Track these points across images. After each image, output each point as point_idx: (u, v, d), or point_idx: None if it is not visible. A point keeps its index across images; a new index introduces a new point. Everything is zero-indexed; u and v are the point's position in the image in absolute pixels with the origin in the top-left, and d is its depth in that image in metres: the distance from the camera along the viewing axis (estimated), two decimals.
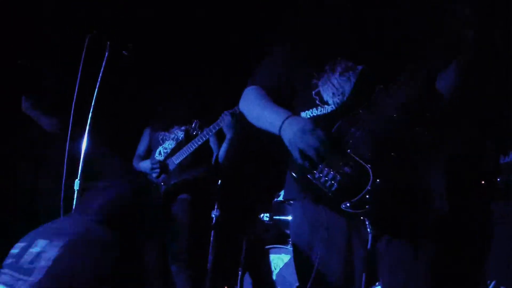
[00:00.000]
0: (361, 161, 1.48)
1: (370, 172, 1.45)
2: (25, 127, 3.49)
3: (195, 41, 4.15)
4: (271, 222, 3.55)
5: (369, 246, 1.50)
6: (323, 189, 1.51)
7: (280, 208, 3.53)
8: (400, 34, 1.63)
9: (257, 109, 1.77)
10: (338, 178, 1.49)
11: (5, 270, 1.41)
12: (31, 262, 1.37)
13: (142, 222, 1.72)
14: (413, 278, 1.52)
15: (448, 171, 2.22)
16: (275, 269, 3.40)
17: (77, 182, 2.26)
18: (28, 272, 1.34)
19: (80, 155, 2.30)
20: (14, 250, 1.48)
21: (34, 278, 1.32)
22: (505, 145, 2.40)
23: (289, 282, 3.25)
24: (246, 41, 4.05)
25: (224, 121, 3.12)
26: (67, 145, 2.32)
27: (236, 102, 3.11)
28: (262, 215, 3.63)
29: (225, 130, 3.16)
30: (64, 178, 2.27)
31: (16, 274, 1.36)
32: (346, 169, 1.49)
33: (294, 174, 1.59)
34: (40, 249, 1.39)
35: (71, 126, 2.31)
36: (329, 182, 1.50)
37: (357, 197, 1.44)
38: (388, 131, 1.48)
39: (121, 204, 1.66)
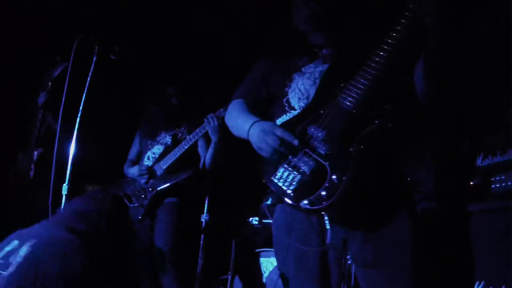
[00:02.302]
0: (319, 159, 1.50)
1: (328, 169, 1.46)
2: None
3: (181, 44, 4.17)
4: (260, 226, 3.56)
5: (328, 240, 1.53)
6: (284, 189, 1.53)
7: (269, 212, 3.54)
8: (364, 28, 1.67)
9: (234, 119, 1.87)
10: (297, 177, 1.51)
11: None
12: (5, 258, 1.46)
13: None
14: (392, 279, 1.54)
15: (434, 170, 2.25)
16: (265, 272, 3.40)
17: (64, 187, 2.25)
18: (3, 267, 1.43)
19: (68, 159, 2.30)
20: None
21: (7, 272, 1.41)
22: (481, 146, 2.42)
23: (279, 285, 3.25)
24: (232, 45, 4.08)
25: (209, 124, 3.13)
26: (55, 149, 2.31)
27: (221, 105, 3.14)
28: (251, 218, 3.63)
29: (210, 134, 3.16)
30: (52, 181, 2.27)
31: None
32: (305, 168, 1.51)
33: (262, 178, 1.62)
34: (12, 247, 1.48)
35: (59, 130, 2.30)
36: (288, 182, 1.52)
37: (315, 195, 1.45)
38: (347, 126, 1.50)
39: (88, 220, 1.76)
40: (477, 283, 2.22)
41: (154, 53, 4.12)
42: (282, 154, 1.54)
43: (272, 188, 1.58)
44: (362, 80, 1.50)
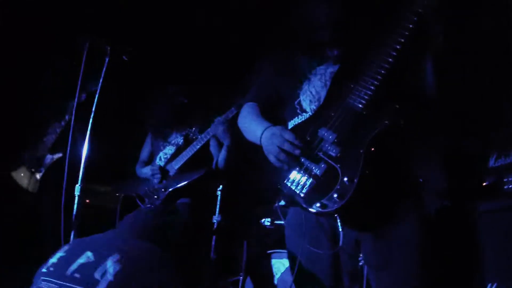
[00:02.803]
0: (330, 161, 1.50)
1: (339, 171, 1.46)
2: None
3: (191, 46, 4.17)
4: (272, 227, 3.55)
5: (340, 243, 1.52)
6: (296, 192, 1.53)
7: (282, 213, 3.52)
8: (372, 29, 1.67)
9: (246, 123, 1.89)
10: (309, 180, 1.52)
11: (46, 279, 1.42)
12: (83, 272, 1.37)
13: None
14: (394, 277, 1.54)
15: (444, 169, 2.23)
16: (277, 273, 3.39)
17: (77, 187, 2.26)
18: (84, 283, 1.36)
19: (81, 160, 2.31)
20: (53, 260, 1.49)
21: None
22: (491, 146, 2.41)
23: (291, 287, 3.24)
24: (240, 47, 4.08)
25: (217, 129, 3.12)
26: (68, 151, 2.32)
27: (228, 107, 3.13)
28: (263, 220, 3.63)
29: (220, 138, 3.16)
30: (65, 183, 2.28)
31: (63, 283, 1.38)
32: (317, 170, 1.51)
33: (274, 182, 1.63)
34: (85, 260, 1.41)
35: (72, 131, 2.32)
36: (301, 185, 1.53)
37: (326, 197, 1.45)
38: (357, 128, 1.50)
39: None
40: (489, 285, 2.21)
41: (159, 54, 4.13)
42: (290, 157, 1.55)
43: (285, 192, 1.59)
44: (371, 81, 1.50)
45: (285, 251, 3.31)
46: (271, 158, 1.59)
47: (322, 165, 1.51)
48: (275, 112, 1.86)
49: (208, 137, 3.24)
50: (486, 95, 2.47)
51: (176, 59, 4.22)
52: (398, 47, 1.47)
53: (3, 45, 3.48)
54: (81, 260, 1.40)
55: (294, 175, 1.56)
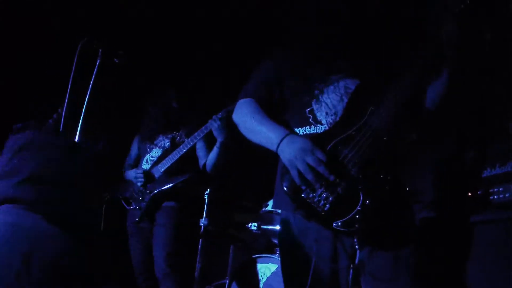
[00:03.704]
0: (353, 182, 1.54)
1: (361, 194, 1.52)
2: None
3: (181, 48, 4.18)
4: (259, 232, 3.55)
5: (356, 261, 1.57)
6: (316, 208, 1.56)
7: (268, 218, 3.54)
8: (391, 51, 1.71)
9: (253, 123, 1.79)
10: (330, 199, 1.55)
11: None
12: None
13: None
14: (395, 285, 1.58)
15: (435, 182, 2.27)
16: (262, 278, 3.39)
17: None
18: None
19: None
20: None
21: None
22: (485, 157, 2.45)
23: None
24: (232, 48, 4.10)
25: (214, 125, 3.11)
26: None
27: (222, 107, 3.14)
28: (250, 224, 3.63)
29: (215, 134, 3.14)
30: None
31: None
32: (339, 190, 1.55)
33: (286, 189, 1.62)
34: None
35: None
36: (322, 201, 1.55)
37: (348, 217, 1.50)
38: (378, 153, 1.56)
39: None
40: None
41: (154, 56, 4.14)
42: (320, 177, 1.55)
43: (297, 205, 1.60)
44: (392, 106, 1.56)
45: (271, 256, 3.35)
46: (293, 172, 1.57)
47: (344, 184, 1.54)
48: (272, 112, 1.81)
49: (195, 141, 3.24)
50: (485, 106, 2.52)
51: (166, 62, 4.23)
52: (418, 80, 1.55)
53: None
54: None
55: (314, 190, 1.57)
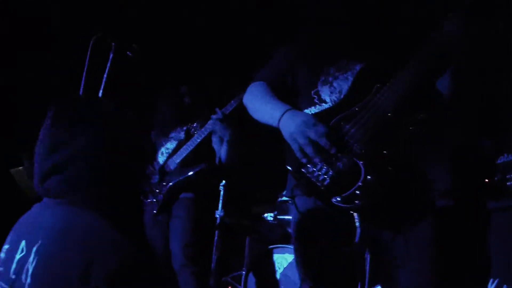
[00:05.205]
0: (354, 158, 1.50)
1: (362, 169, 1.47)
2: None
3: (193, 43, 4.18)
4: (275, 222, 3.56)
5: (356, 239, 1.52)
6: (315, 182, 1.52)
7: (284, 208, 3.54)
8: (399, 35, 1.68)
9: (258, 102, 1.80)
10: (330, 173, 1.51)
11: None
12: (18, 272, 1.12)
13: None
14: (413, 275, 1.54)
15: (451, 169, 2.25)
16: (279, 268, 3.41)
17: None
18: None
19: None
20: (2, 255, 1.24)
21: None
22: (502, 145, 2.42)
23: (293, 282, 3.26)
24: (243, 42, 4.09)
25: (216, 125, 3.11)
26: None
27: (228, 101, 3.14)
28: (266, 214, 3.64)
29: (220, 134, 3.15)
30: None
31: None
32: (339, 164, 1.51)
33: (289, 167, 1.60)
34: (20, 256, 1.14)
35: None
36: (322, 176, 1.52)
37: (348, 192, 1.46)
38: (382, 129, 1.51)
39: None
40: (491, 280, 2.22)
41: (165, 52, 4.14)
42: (320, 151, 1.52)
43: (299, 181, 1.57)
44: (400, 86, 1.51)
45: (288, 246, 3.35)
46: (294, 146, 1.55)
47: (345, 160, 1.50)
48: (284, 98, 1.78)
49: (209, 130, 3.24)
50: (499, 95, 2.48)
51: (178, 54, 4.23)
52: (426, 56, 1.50)
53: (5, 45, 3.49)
54: (18, 254, 1.14)
55: (314, 165, 1.54)
